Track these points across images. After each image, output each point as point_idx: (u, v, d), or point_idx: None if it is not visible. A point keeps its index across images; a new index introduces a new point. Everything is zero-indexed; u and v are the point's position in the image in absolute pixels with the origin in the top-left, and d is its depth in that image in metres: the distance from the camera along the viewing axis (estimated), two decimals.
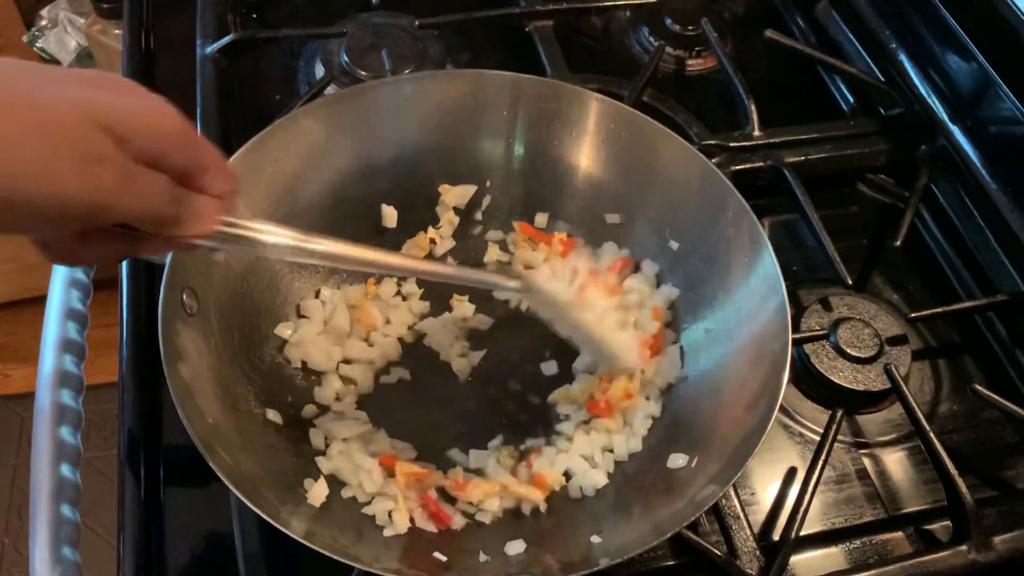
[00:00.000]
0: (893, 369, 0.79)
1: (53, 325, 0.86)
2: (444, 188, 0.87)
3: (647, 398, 0.78)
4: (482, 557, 0.68)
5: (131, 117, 0.48)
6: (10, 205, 0.44)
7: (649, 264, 0.84)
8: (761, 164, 0.94)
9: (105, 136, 0.47)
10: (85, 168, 0.46)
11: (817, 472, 0.74)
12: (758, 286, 0.74)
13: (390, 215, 0.86)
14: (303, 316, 0.81)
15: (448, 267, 0.84)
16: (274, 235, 0.58)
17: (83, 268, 0.91)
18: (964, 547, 0.71)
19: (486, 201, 0.89)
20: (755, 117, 0.96)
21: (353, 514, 0.71)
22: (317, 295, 0.82)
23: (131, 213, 0.49)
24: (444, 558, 0.67)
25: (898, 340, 0.83)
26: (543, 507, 0.73)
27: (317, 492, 0.69)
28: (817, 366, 0.81)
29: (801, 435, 0.81)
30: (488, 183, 0.88)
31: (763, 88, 1.00)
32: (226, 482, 0.60)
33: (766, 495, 0.77)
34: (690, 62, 1.09)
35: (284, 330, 0.79)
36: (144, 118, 0.49)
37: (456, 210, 0.88)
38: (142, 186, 0.49)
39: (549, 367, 0.82)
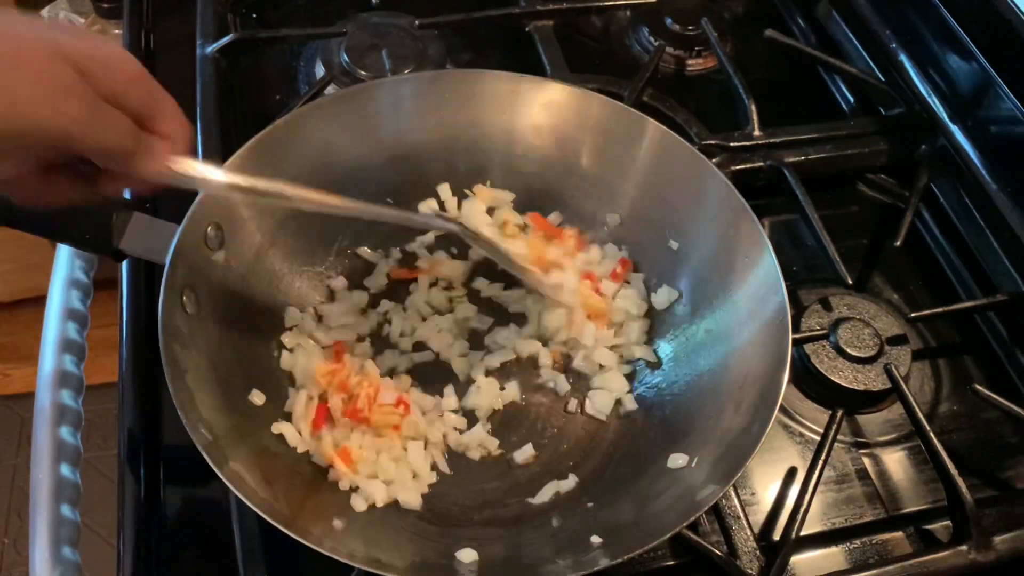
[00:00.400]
0: (893, 369, 0.79)
1: (53, 325, 0.86)
2: (479, 188, 0.87)
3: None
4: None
5: (95, 56, 0.52)
6: None
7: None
8: (761, 164, 0.94)
9: (73, 70, 0.50)
10: (58, 98, 0.50)
11: (817, 472, 0.74)
12: (758, 286, 0.74)
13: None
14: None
15: (389, 209, 0.83)
16: (219, 173, 0.62)
17: (83, 268, 0.91)
18: (964, 547, 0.71)
19: (487, 188, 0.88)
20: (755, 117, 0.96)
21: (365, 521, 0.71)
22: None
23: (96, 144, 0.53)
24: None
25: (898, 340, 0.83)
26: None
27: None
28: (817, 366, 0.81)
29: (801, 435, 0.81)
30: (488, 183, 0.88)
31: (763, 88, 1.00)
32: (226, 483, 0.60)
33: (766, 495, 0.77)
34: (690, 62, 1.09)
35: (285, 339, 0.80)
36: (107, 58, 0.53)
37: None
38: (107, 119, 0.53)
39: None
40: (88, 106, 0.52)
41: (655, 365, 0.81)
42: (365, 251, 0.86)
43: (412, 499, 0.72)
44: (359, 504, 0.71)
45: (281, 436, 0.73)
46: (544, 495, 0.74)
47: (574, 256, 0.85)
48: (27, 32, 0.51)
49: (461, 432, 0.77)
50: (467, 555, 0.67)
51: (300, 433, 0.74)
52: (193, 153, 0.60)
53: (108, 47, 0.54)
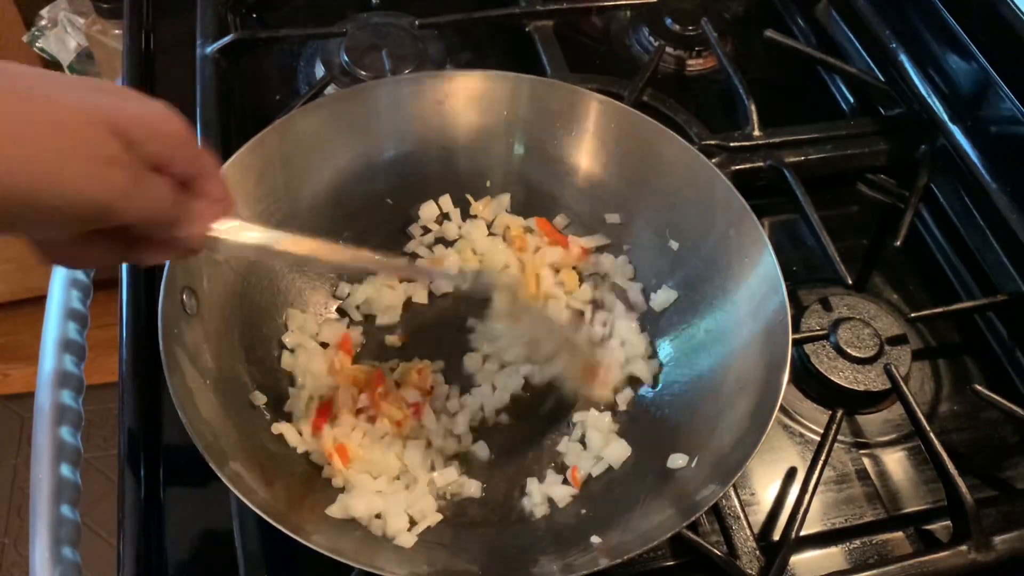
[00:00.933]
0: (893, 369, 0.79)
1: (53, 325, 0.86)
2: (476, 206, 0.88)
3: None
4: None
5: (139, 121, 0.49)
6: (26, 201, 0.45)
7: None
8: (761, 164, 0.94)
9: (116, 139, 0.48)
10: (99, 169, 0.47)
11: (817, 472, 0.74)
12: (758, 286, 0.74)
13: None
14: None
15: (427, 267, 0.85)
16: (265, 236, 0.59)
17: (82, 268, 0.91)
18: (964, 547, 0.70)
19: (484, 202, 0.89)
20: (755, 117, 0.96)
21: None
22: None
23: (138, 214, 0.50)
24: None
25: (898, 340, 0.83)
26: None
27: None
28: (817, 366, 0.81)
29: (801, 435, 0.81)
30: (488, 183, 0.88)
31: (763, 88, 1.00)
32: (226, 482, 0.60)
33: (766, 495, 0.77)
34: (690, 62, 1.09)
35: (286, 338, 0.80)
36: (151, 123, 0.50)
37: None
38: (150, 189, 0.50)
39: None
40: (132, 176, 0.49)
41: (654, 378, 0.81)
42: None
43: (405, 540, 0.70)
44: (335, 511, 0.69)
45: (281, 436, 0.73)
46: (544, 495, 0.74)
47: (579, 264, 0.86)
48: (68, 96, 0.48)
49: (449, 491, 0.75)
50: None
51: (300, 433, 0.74)
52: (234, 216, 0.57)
53: (152, 108, 0.51)
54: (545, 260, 0.86)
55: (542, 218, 0.88)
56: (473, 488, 0.74)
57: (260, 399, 0.74)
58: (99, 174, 0.47)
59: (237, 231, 0.57)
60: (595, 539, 0.68)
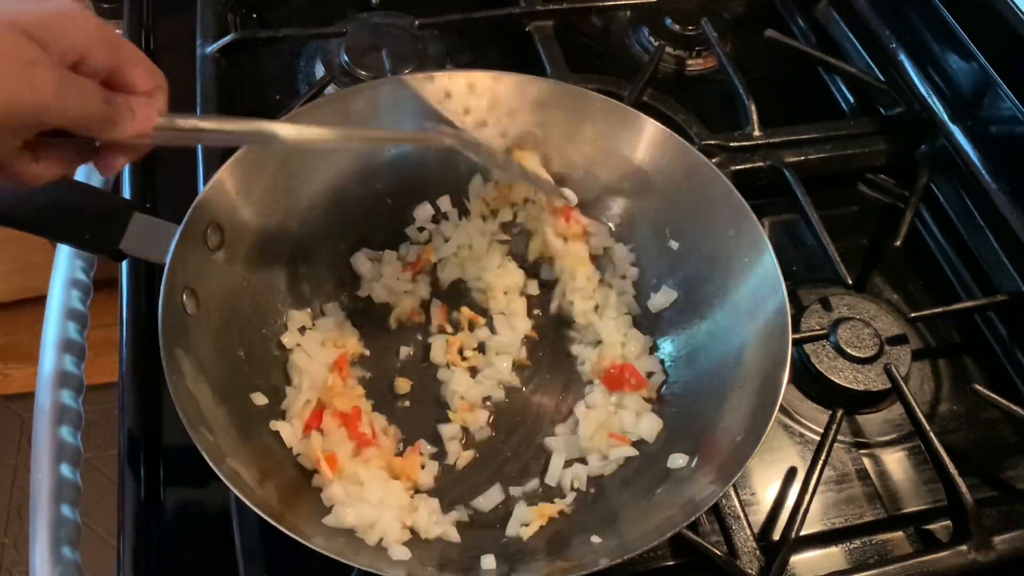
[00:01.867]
0: (893, 369, 0.79)
1: (53, 325, 0.86)
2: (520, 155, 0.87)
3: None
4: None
5: (48, 22, 0.50)
6: None
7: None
8: (761, 164, 0.94)
9: (30, 41, 0.49)
10: (24, 71, 0.48)
11: (817, 472, 0.74)
12: (758, 286, 0.74)
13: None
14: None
15: (383, 131, 0.83)
16: (213, 122, 0.61)
17: (83, 268, 0.91)
18: (964, 547, 0.71)
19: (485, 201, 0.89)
20: (755, 117, 0.96)
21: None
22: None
23: (69, 114, 0.51)
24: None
25: (898, 340, 0.83)
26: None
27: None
28: (817, 366, 0.81)
29: (801, 435, 0.81)
30: (488, 183, 0.88)
31: (763, 88, 1.00)
32: (224, 480, 0.60)
33: (766, 495, 0.77)
34: (690, 62, 1.09)
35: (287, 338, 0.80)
36: (60, 22, 0.51)
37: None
38: (76, 86, 0.51)
39: None
40: (56, 77, 0.49)
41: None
42: (366, 252, 0.86)
43: (400, 553, 0.68)
44: (330, 520, 0.68)
45: (279, 436, 0.73)
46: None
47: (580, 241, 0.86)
48: None
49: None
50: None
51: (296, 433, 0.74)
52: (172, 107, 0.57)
53: (58, 6, 0.51)
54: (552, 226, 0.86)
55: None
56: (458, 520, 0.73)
57: (260, 400, 0.74)
58: (25, 76, 0.48)
59: (176, 121, 0.57)
60: (595, 539, 0.68)
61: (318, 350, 0.79)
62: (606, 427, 0.77)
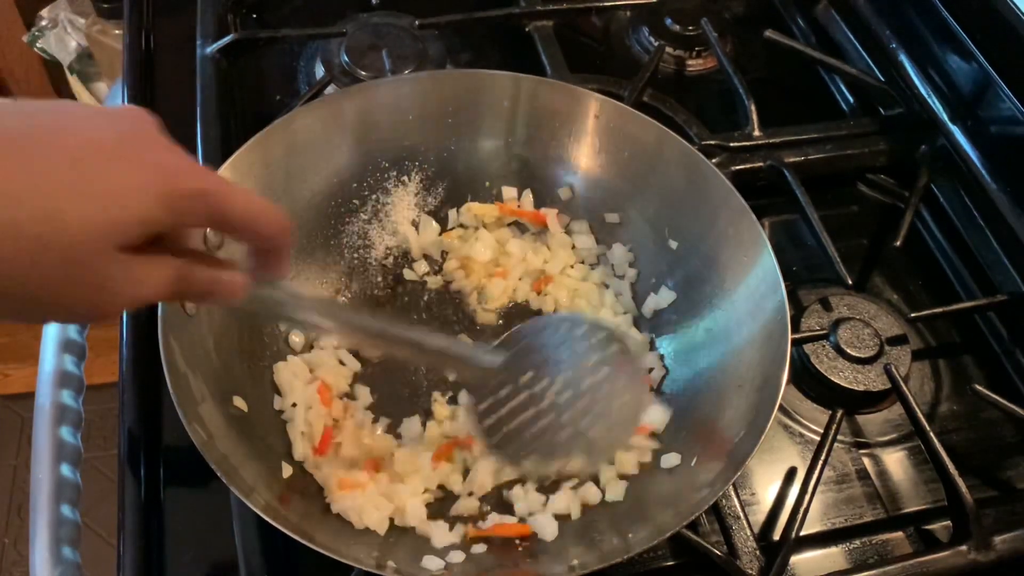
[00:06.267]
0: (893, 369, 0.79)
1: (53, 325, 0.86)
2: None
3: None
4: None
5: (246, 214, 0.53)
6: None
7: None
8: (761, 164, 0.94)
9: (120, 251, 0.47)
10: (93, 295, 0.47)
11: (817, 472, 0.74)
12: (758, 286, 0.74)
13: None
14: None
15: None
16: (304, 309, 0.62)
17: None
18: (964, 547, 0.71)
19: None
20: (755, 117, 0.96)
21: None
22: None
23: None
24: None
25: (898, 340, 0.83)
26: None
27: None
28: (817, 366, 0.81)
29: (801, 435, 0.81)
30: (487, 184, 0.88)
31: (763, 88, 1.00)
32: (226, 482, 0.60)
33: (766, 495, 0.77)
34: (690, 62, 1.09)
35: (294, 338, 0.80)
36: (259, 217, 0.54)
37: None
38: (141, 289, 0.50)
39: None
40: (118, 297, 0.49)
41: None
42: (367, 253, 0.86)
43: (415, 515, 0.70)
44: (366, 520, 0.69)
45: (279, 436, 0.73)
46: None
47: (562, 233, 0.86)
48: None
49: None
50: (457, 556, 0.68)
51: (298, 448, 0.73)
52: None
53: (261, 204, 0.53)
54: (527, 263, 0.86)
55: (501, 204, 0.87)
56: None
57: (241, 403, 0.73)
58: (94, 299, 0.47)
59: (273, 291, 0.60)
60: (595, 539, 0.68)
61: (320, 352, 0.79)
62: None
